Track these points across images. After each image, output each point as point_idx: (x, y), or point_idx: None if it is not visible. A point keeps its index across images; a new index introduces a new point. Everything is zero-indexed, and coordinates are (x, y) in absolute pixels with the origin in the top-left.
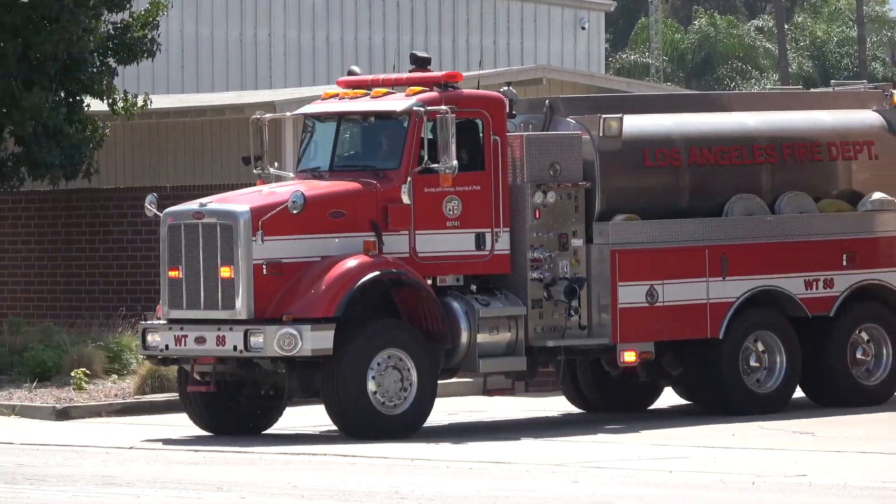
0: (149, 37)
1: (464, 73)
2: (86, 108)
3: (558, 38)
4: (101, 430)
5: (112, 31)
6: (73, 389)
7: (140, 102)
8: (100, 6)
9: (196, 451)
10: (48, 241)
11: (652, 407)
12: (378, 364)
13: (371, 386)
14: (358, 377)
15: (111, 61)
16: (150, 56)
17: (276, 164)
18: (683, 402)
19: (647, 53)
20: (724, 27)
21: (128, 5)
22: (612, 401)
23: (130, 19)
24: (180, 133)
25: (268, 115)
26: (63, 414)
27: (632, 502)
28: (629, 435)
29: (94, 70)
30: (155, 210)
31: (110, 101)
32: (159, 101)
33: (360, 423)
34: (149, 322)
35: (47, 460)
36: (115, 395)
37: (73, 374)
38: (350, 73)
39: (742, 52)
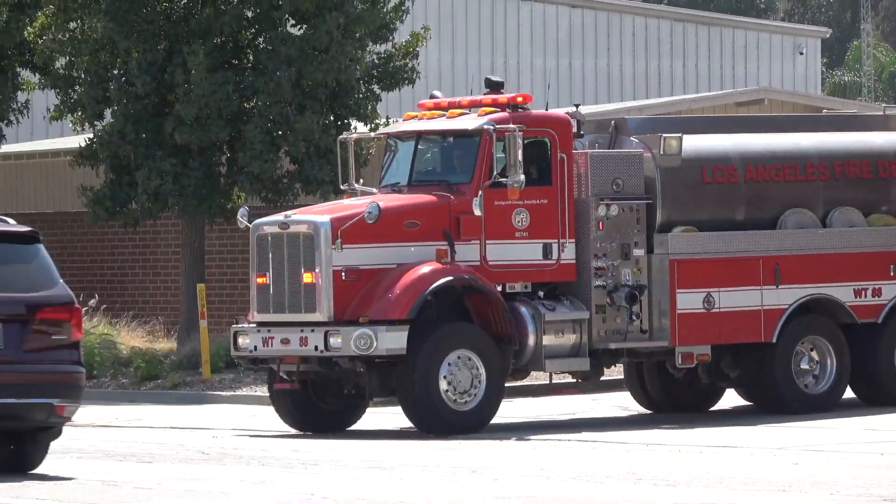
0: (409, 65)
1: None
2: (353, 130)
3: (778, 62)
4: (364, 419)
5: (376, 61)
6: None
7: None
8: (365, 38)
9: (451, 439)
10: None
11: (714, 408)
12: (449, 364)
13: (443, 384)
14: (430, 376)
15: (375, 88)
16: (410, 83)
17: (360, 180)
18: (745, 403)
19: (859, 74)
20: None
21: (391, 37)
22: (676, 401)
23: (393, 50)
24: None
25: (353, 135)
26: None
27: (847, 482)
28: (842, 420)
29: (360, 96)
30: (246, 222)
31: (373, 124)
32: None
33: (431, 418)
34: (240, 325)
35: (319, 446)
36: None
37: None
38: (432, 96)
39: None
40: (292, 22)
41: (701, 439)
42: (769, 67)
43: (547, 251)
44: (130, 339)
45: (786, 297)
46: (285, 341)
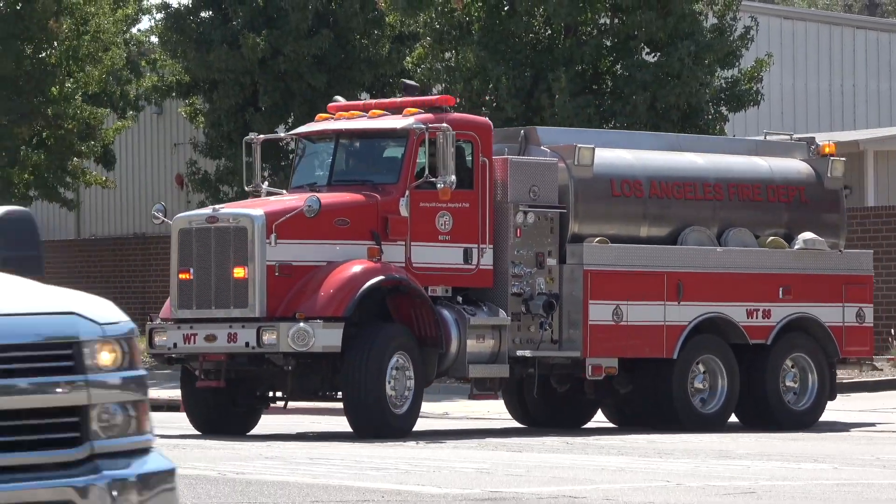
0: (754, 89)
1: None
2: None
3: None
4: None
5: (724, 85)
6: None
7: None
8: (714, 64)
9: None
10: None
11: (586, 425)
12: (392, 366)
13: (387, 387)
14: (378, 377)
15: (723, 109)
16: (755, 105)
17: (266, 182)
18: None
19: None
20: None
21: (737, 63)
22: (553, 416)
23: (739, 74)
24: None
25: (260, 137)
26: None
27: None
28: None
29: (710, 117)
30: (163, 217)
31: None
32: None
33: (377, 421)
34: (156, 323)
35: (673, 439)
36: None
37: None
38: (335, 101)
39: None
40: (647, 50)
41: None
42: None
43: (467, 255)
44: None
45: (687, 313)
46: (210, 338)
